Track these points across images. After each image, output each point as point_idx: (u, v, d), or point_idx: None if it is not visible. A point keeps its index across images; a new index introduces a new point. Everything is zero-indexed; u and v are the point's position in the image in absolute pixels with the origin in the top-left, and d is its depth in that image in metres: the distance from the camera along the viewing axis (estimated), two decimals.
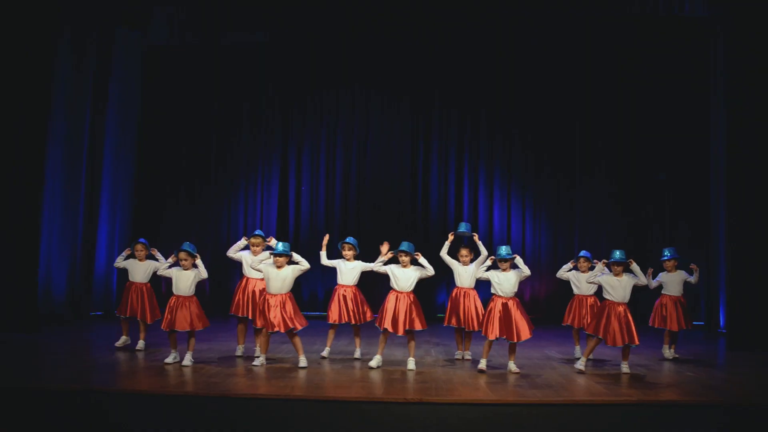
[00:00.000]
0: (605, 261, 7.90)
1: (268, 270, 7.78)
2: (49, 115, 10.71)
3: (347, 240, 8.51)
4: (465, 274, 8.43)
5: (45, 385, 6.46)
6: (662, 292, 8.98)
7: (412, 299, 7.82)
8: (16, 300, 10.03)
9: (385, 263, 8.04)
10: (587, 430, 6.03)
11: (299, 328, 7.68)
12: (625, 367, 7.75)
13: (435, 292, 13.50)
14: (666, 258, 8.94)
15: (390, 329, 7.70)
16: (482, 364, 7.69)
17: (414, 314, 7.75)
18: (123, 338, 8.87)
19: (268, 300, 7.72)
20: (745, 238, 10.01)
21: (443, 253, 8.44)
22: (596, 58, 13.78)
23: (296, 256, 7.87)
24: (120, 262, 8.96)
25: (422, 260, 7.89)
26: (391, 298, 7.84)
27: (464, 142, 14.13)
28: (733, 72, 10.36)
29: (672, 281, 8.91)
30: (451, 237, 8.50)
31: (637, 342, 7.66)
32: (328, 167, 14.21)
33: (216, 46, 13.80)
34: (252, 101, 14.19)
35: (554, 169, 13.94)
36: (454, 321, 8.46)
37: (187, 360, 7.72)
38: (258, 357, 7.88)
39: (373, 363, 7.77)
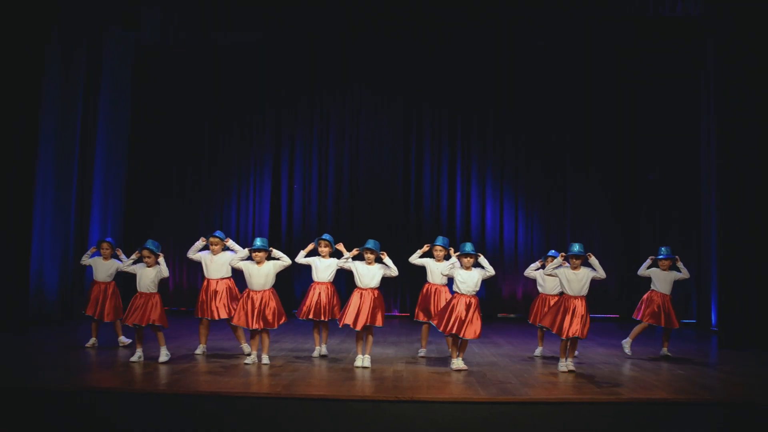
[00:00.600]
0: (564, 254, 7.90)
1: (248, 267, 7.83)
2: (39, 114, 10.67)
3: (323, 237, 8.50)
4: (437, 270, 8.45)
5: (36, 384, 6.43)
6: (651, 287, 8.97)
7: (375, 295, 7.83)
8: (6, 300, 9.98)
9: (352, 260, 8.02)
10: (578, 429, 6.02)
11: (275, 327, 7.80)
12: (570, 364, 7.72)
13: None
14: (662, 257, 8.92)
15: (351, 325, 7.72)
16: (455, 363, 7.68)
17: (376, 310, 7.76)
18: (92, 340, 8.89)
19: (252, 297, 7.76)
20: (736, 236, 10.02)
21: (412, 259, 8.45)
22: (587, 58, 13.83)
23: (276, 252, 7.91)
24: (86, 260, 9.04)
25: (387, 260, 7.92)
26: (355, 295, 7.86)
27: (456, 140, 14.17)
28: (723, 71, 10.37)
29: (664, 279, 8.90)
30: (426, 248, 8.49)
31: (584, 336, 7.61)
32: (321, 166, 14.22)
33: (208, 45, 13.79)
34: (244, 100, 14.19)
35: (546, 167, 14.00)
36: (422, 316, 8.48)
37: (163, 356, 7.79)
38: (249, 355, 7.89)
39: (358, 362, 7.77)
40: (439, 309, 8.22)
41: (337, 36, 13.56)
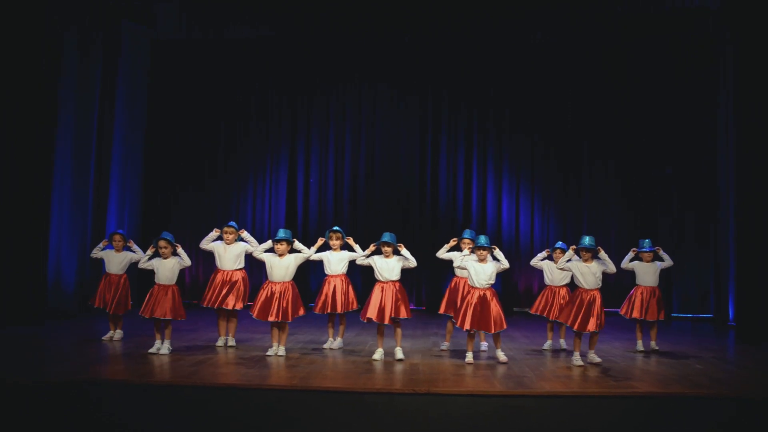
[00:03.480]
0: (574, 247, 7.87)
1: (270, 259, 7.88)
2: (57, 108, 10.75)
3: (334, 228, 8.52)
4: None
5: (47, 378, 6.45)
6: (637, 282, 8.83)
7: (397, 288, 7.81)
8: (25, 293, 10.07)
9: (368, 255, 8.01)
10: (593, 422, 6.01)
11: (290, 320, 7.84)
12: (594, 357, 7.71)
13: (442, 285, 13.49)
14: (645, 250, 8.82)
15: (375, 319, 7.69)
16: (469, 357, 7.70)
17: (399, 302, 7.74)
18: (110, 333, 8.91)
19: (271, 288, 7.81)
20: (754, 230, 9.95)
21: (440, 254, 8.44)
22: (604, 52, 13.76)
23: (298, 244, 7.97)
24: (97, 253, 9.00)
25: (404, 251, 7.90)
26: (376, 289, 7.84)
27: (472, 134, 14.14)
28: (741, 63, 10.30)
29: (647, 271, 8.79)
30: (453, 242, 8.48)
31: (599, 328, 7.58)
32: (337, 160, 14.24)
33: (222, 40, 13.87)
34: (260, 94, 14.24)
35: (562, 161, 13.94)
36: (451, 310, 8.46)
37: (165, 348, 7.80)
38: (272, 347, 7.92)
39: (376, 356, 7.77)
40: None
41: (352, 31, 13.57)
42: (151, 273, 8.06)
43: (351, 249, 8.44)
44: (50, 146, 10.57)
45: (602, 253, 7.75)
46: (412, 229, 13.55)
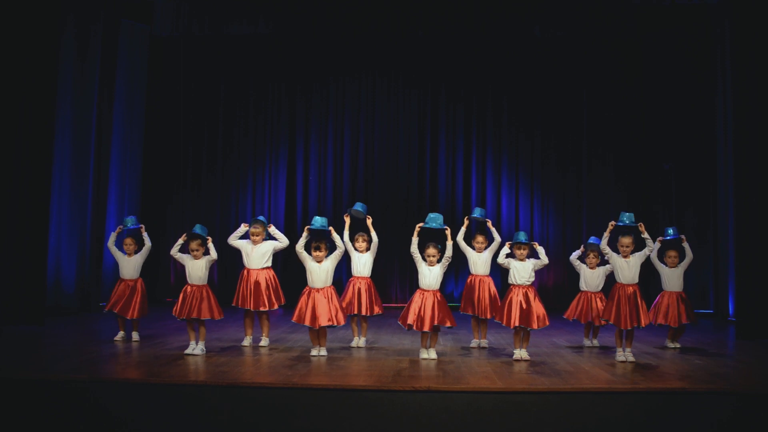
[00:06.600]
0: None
1: (310, 266, 7.70)
2: (55, 108, 10.73)
3: (362, 233, 8.45)
4: (479, 261, 8.48)
5: (50, 375, 6.46)
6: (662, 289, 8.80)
7: (438, 298, 7.59)
8: (25, 292, 10.06)
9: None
10: (595, 418, 6.01)
11: (342, 323, 7.70)
12: (629, 355, 7.71)
13: (445, 282, 13.48)
14: (669, 238, 8.81)
15: (415, 327, 7.53)
16: (517, 354, 7.67)
17: (442, 312, 7.51)
18: (120, 333, 8.73)
19: (314, 296, 7.64)
20: (754, 225, 9.94)
21: (459, 238, 8.42)
22: (603, 49, 13.76)
23: (337, 239, 7.81)
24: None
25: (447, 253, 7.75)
26: (416, 296, 7.61)
27: (471, 131, 14.16)
28: (740, 58, 10.27)
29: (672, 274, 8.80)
30: (466, 222, 8.48)
31: (644, 324, 7.62)
32: (336, 157, 14.24)
33: (221, 36, 13.88)
34: (258, 91, 14.24)
35: (562, 158, 13.96)
36: (469, 309, 8.46)
37: (198, 349, 7.74)
38: (314, 348, 7.82)
39: (423, 354, 7.65)
40: (482, 300, 8.31)
41: (351, 26, 13.57)
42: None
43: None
44: (49, 144, 10.55)
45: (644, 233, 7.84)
46: (412, 223, 13.49)
